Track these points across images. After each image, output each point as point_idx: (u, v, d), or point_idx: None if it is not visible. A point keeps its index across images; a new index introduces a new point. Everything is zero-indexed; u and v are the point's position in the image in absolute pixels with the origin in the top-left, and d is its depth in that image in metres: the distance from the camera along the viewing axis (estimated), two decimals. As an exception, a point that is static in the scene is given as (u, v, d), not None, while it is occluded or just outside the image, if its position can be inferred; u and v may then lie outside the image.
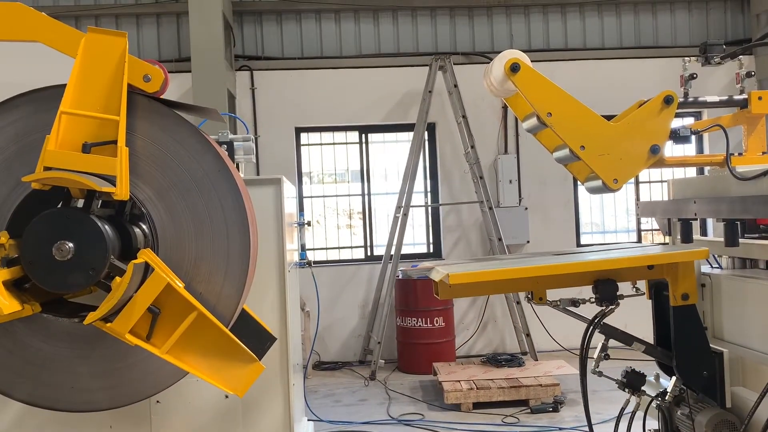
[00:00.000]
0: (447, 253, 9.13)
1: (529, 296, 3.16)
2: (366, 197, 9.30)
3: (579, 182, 3.60)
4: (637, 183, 9.54)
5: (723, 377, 2.99)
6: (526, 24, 9.34)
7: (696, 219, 3.38)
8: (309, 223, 5.98)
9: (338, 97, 8.97)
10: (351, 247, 9.40)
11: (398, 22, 9.22)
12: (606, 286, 3.01)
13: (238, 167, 3.93)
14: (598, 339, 3.13)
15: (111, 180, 2.24)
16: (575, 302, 3.12)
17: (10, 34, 2.43)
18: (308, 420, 4.99)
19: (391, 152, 9.42)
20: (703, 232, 3.62)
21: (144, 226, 2.47)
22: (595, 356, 3.14)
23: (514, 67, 3.09)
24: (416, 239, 9.39)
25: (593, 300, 3.07)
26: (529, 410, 6.49)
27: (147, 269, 2.26)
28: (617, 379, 3.26)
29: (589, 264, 3.11)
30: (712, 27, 9.56)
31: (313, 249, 9.13)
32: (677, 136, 3.21)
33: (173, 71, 6.42)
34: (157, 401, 3.45)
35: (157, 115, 2.41)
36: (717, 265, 3.44)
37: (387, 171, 9.47)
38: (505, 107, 9.06)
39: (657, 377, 3.30)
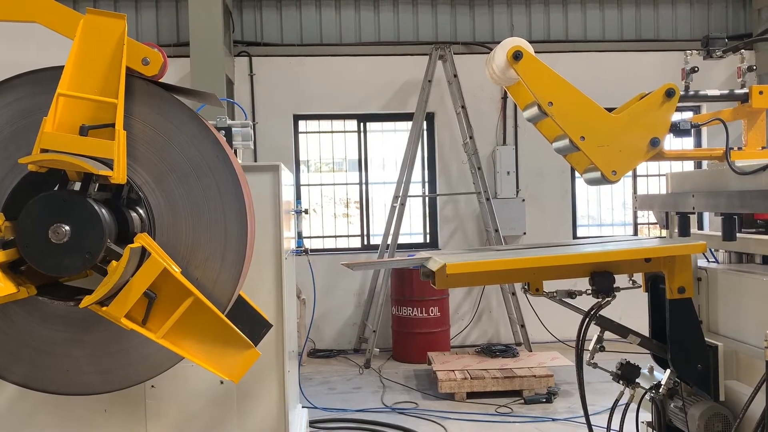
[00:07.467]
0: (444, 244, 9.13)
1: (526, 287, 3.16)
2: (363, 186, 9.28)
3: (577, 174, 3.59)
4: (634, 176, 9.55)
5: (717, 371, 3.00)
6: (527, 15, 9.30)
7: (694, 213, 3.38)
8: (306, 211, 5.98)
9: (337, 85, 8.93)
10: (348, 236, 9.39)
11: (399, 10, 9.17)
12: (603, 278, 3.02)
13: (236, 153, 3.92)
14: (593, 331, 3.14)
15: (108, 163, 2.22)
16: (572, 294, 3.12)
17: (9, 14, 2.41)
18: (303, 407, 5.00)
19: (390, 141, 9.39)
20: (700, 226, 3.62)
21: (141, 211, 2.45)
22: (591, 348, 3.15)
23: (517, 55, 3.07)
24: (413, 229, 9.40)
25: (590, 292, 3.08)
26: (522, 401, 6.52)
27: (143, 254, 2.24)
28: (612, 371, 3.27)
29: (587, 256, 3.11)
30: (713, 21, 9.54)
31: (310, 237, 9.13)
32: (678, 129, 3.20)
33: (172, 56, 6.35)
34: (152, 386, 3.45)
35: (155, 99, 2.39)
36: (713, 259, 3.44)
37: (385, 160, 9.45)
38: (504, 98, 9.04)
39: (651, 370, 3.31)
